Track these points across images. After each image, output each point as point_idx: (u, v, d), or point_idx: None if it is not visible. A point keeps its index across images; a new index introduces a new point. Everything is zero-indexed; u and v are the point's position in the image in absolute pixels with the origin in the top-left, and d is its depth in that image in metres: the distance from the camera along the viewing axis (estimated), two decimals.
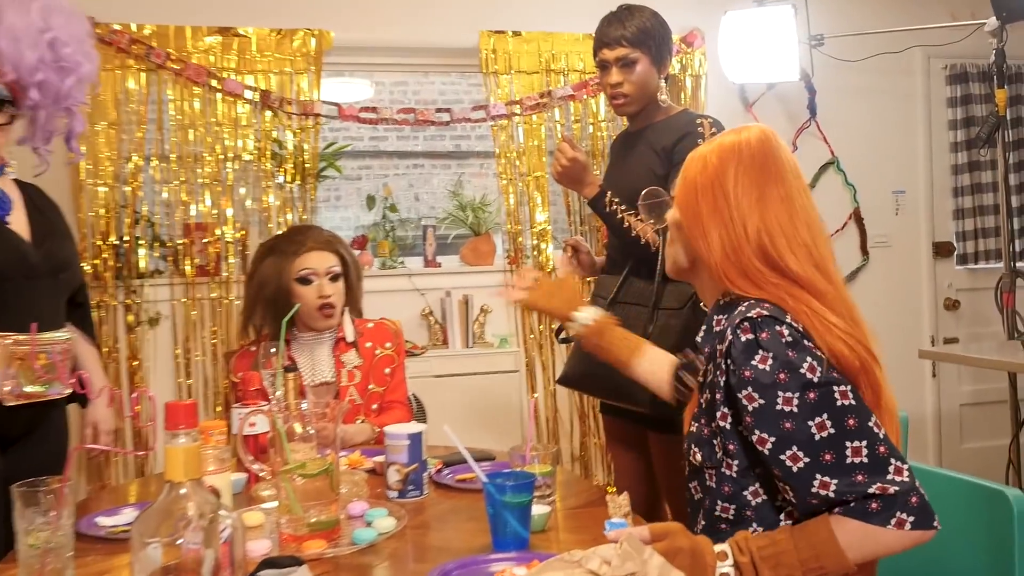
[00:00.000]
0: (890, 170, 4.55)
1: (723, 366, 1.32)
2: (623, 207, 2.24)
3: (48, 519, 1.24)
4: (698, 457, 1.38)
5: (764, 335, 1.29)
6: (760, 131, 1.43)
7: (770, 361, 1.28)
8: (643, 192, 1.95)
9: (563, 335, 2.66)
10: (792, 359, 1.27)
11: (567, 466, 4.08)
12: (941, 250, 4.60)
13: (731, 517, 1.33)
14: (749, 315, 1.32)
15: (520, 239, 4.16)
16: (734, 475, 1.33)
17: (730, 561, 1.19)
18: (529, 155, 4.12)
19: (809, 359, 1.27)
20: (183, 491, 0.92)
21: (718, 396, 1.34)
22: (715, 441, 1.35)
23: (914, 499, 1.23)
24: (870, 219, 4.49)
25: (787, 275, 1.37)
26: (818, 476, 1.24)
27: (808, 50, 4.23)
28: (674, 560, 1.16)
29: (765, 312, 1.31)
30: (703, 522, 1.38)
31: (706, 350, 1.44)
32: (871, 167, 4.49)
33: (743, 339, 1.30)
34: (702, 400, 1.41)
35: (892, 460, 1.25)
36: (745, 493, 1.33)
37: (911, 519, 1.22)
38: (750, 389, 1.28)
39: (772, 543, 1.21)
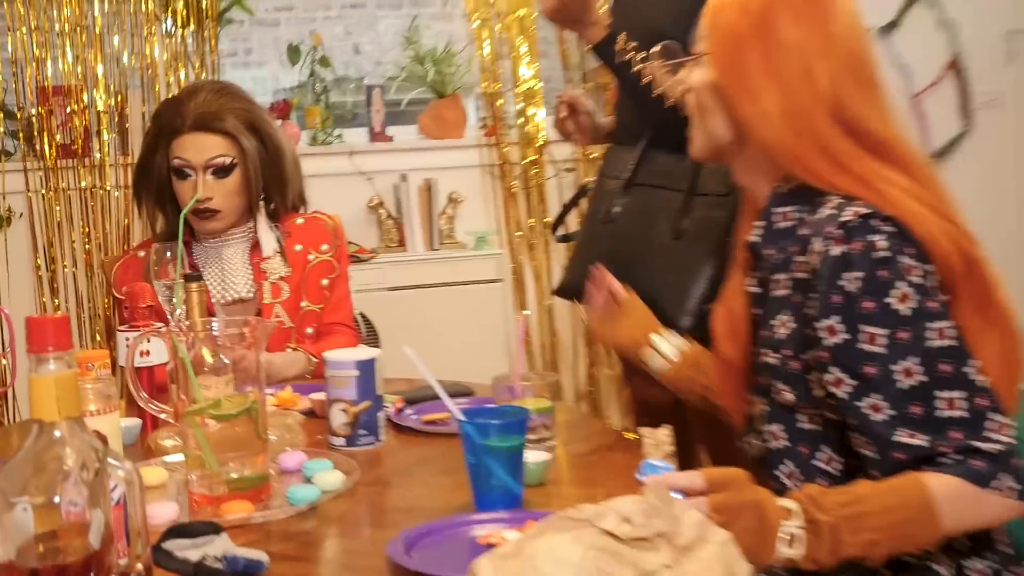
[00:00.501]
0: (1003, 4, 4.50)
1: (810, 284, 1.34)
2: (640, 54, 2.22)
3: None
4: (788, 397, 1.40)
5: (856, 246, 1.30)
6: None
7: (858, 283, 1.30)
8: (657, 48, 1.92)
9: (562, 231, 2.67)
10: (882, 282, 1.29)
11: (570, 403, 4.14)
12: None
13: (838, 472, 1.37)
14: (844, 217, 1.32)
15: (500, 103, 4.13)
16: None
17: (797, 522, 1.22)
18: None
19: (902, 284, 1.29)
20: (57, 434, 0.92)
21: (811, 318, 1.36)
22: (810, 376, 1.38)
23: (1016, 462, 1.27)
24: (975, 70, 4.46)
25: (871, 145, 1.38)
26: (902, 428, 1.28)
27: None
28: (737, 519, 1.17)
29: (862, 211, 1.32)
30: (791, 476, 1.41)
31: (768, 254, 1.44)
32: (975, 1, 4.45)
33: (835, 252, 1.31)
34: (774, 322, 1.42)
35: (993, 416, 1.28)
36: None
37: (1018, 487, 1.26)
38: (832, 319, 1.30)
39: (855, 499, 1.24)
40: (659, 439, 1.51)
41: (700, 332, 2.10)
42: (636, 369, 2.56)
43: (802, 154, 1.39)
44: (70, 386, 0.92)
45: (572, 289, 2.40)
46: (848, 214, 1.33)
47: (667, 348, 1.83)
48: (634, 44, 2.22)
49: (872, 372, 1.29)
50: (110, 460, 0.94)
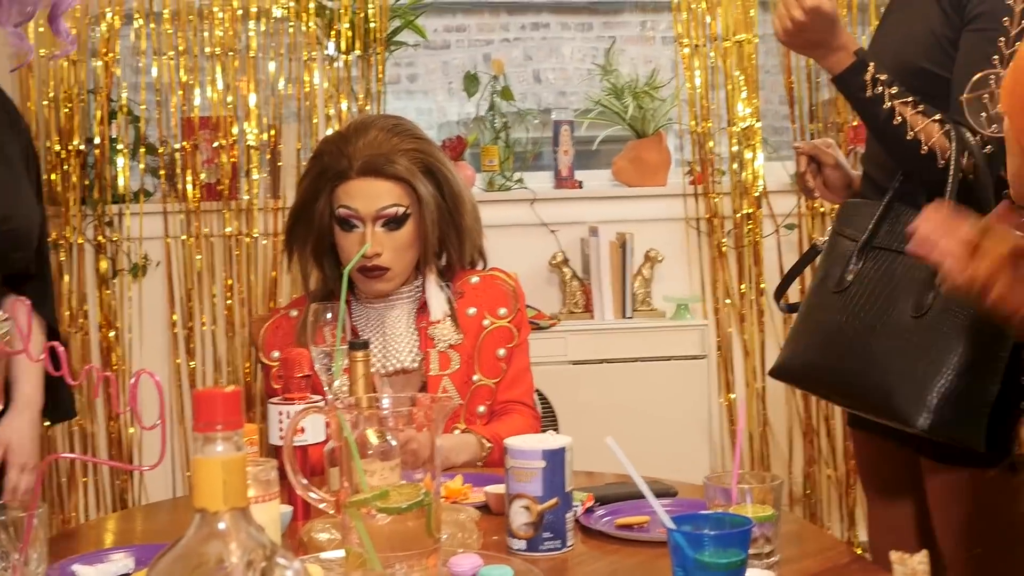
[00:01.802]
0: None
1: None
2: (893, 88, 2.20)
3: (8, 563, 1.31)
4: None
5: None
6: None
7: None
8: (972, 81, 1.92)
9: (785, 301, 2.64)
10: None
11: (783, 510, 4.07)
12: None
13: None
14: None
15: (710, 144, 4.13)
16: None
17: None
18: (728, 6, 4.06)
19: None
20: (221, 526, 0.95)
21: None
22: None
23: None
24: None
25: None
26: None
27: None
28: None
29: None
30: None
31: None
32: None
33: None
34: None
35: None
36: None
37: None
38: None
39: None
40: (911, 567, 1.47)
41: (942, 433, 2.05)
42: (867, 464, 2.51)
43: None
44: (238, 472, 0.96)
45: (792, 370, 2.37)
46: None
47: None
48: (884, 77, 2.20)
49: None
50: (278, 559, 0.97)
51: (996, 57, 2.10)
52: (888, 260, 2.24)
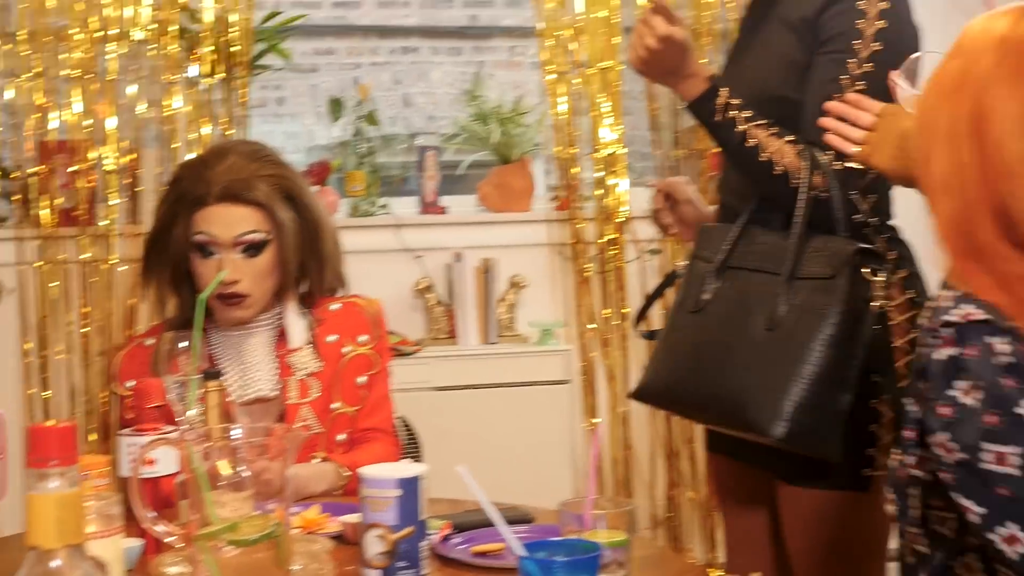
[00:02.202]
0: None
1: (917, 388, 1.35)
2: (746, 113, 2.25)
3: None
4: (890, 508, 1.42)
5: (971, 352, 1.31)
6: None
7: (978, 394, 1.30)
8: (909, 58, 1.97)
9: (645, 326, 2.69)
10: (1010, 392, 1.29)
11: (644, 533, 4.11)
12: None
13: None
14: (951, 317, 1.33)
15: (575, 170, 4.17)
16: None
17: None
18: (592, 33, 4.11)
19: None
20: (55, 563, 0.95)
21: (908, 434, 1.37)
22: (912, 489, 1.40)
23: None
24: None
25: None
26: None
27: None
28: None
29: (977, 314, 1.33)
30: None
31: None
32: None
33: (942, 355, 1.32)
34: (906, 426, 1.44)
35: None
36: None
37: None
38: (946, 435, 1.31)
39: None
40: None
41: (798, 443, 2.10)
42: (724, 485, 2.56)
43: (949, 243, 1.43)
44: (73, 508, 0.96)
45: (652, 392, 2.41)
46: (959, 314, 1.34)
47: None
48: (737, 101, 2.25)
49: (1006, 494, 1.30)
50: None
51: (846, 78, 2.17)
52: (743, 279, 2.28)
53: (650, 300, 2.66)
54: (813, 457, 2.14)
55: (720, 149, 2.36)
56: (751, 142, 2.23)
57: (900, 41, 2.17)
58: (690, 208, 2.57)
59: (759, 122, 2.23)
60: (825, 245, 2.17)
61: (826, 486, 2.23)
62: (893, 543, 1.57)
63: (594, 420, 4.13)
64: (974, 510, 1.31)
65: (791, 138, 2.20)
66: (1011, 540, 1.29)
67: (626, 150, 4.21)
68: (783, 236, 2.21)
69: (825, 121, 2.04)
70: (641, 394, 2.44)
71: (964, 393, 1.31)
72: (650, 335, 2.66)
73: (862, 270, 2.11)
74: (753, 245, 2.29)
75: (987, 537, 1.30)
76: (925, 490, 1.39)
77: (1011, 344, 1.31)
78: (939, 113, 1.44)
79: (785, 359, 2.10)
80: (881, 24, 2.18)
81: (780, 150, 2.22)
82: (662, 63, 2.29)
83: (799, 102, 2.25)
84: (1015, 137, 1.39)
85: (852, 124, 1.99)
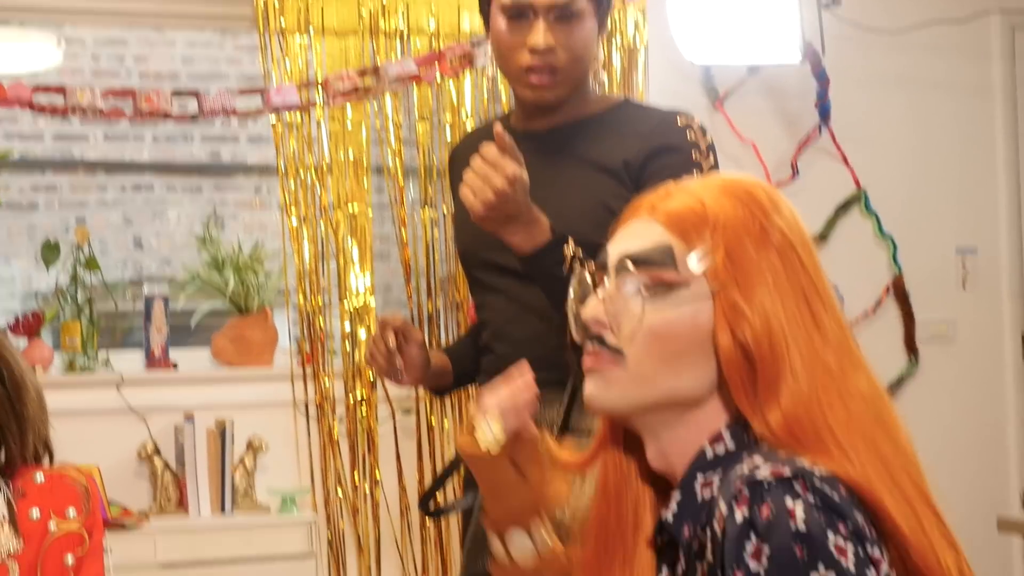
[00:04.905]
0: (952, 215, 4.76)
1: (719, 559, 1.33)
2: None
3: None
4: None
5: (765, 512, 1.31)
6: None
7: (764, 560, 1.29)
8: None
9: (433, 504, 2.62)
10: (799, 563, 1.29)
11: None
12: None
13: None
14: (757, 476, 1.33)
15: (320, 321, 4.14)
16: None
17: None
18: (340, 174, 4.13)
19: (825, 567, 1.29)
20: None
21: None
22: None
23: None
24: (921, 294, 4.68)
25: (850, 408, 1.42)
26: None
27: (817, 12, 4.41)
28: None
29: (784, 471, 1.33)
30: None
31: (687, 532, 1.44)
32: (921, 209, 4.69)
33: (737, 518, 1.32)
34: None
35: None
36: None
37: None
38: None
39: None
40: None
41: None
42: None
43: (830, 403, 1.42)
44: None
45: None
46: (767, 471, 1.33)
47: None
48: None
49: None
50: None
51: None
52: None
53: (444, 476, 2.60)
54: None
55: (554, 301, 2.30)
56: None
57: None
58: (419, 352, 2.54)
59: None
60: None
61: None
62: None
63: None
64: None
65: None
66: None
67: (377, 301, 4.21)
68: None
69: None
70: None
71: (752, 557, 1.30)
72: (438, 512, 2.61)
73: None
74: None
75: None
76: None
77: (818, 496, 1.31)
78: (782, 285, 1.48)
79: None
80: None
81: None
82: (508, 207, 2.26)
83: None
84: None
85: None
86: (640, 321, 1.45)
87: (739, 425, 1.44)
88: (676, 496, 1.47)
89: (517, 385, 1.71)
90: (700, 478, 1.45)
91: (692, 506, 1.45)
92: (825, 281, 1.48)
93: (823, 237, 4.49)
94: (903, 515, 1.36)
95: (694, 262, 1.44)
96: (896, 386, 4.59)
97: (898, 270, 4.63)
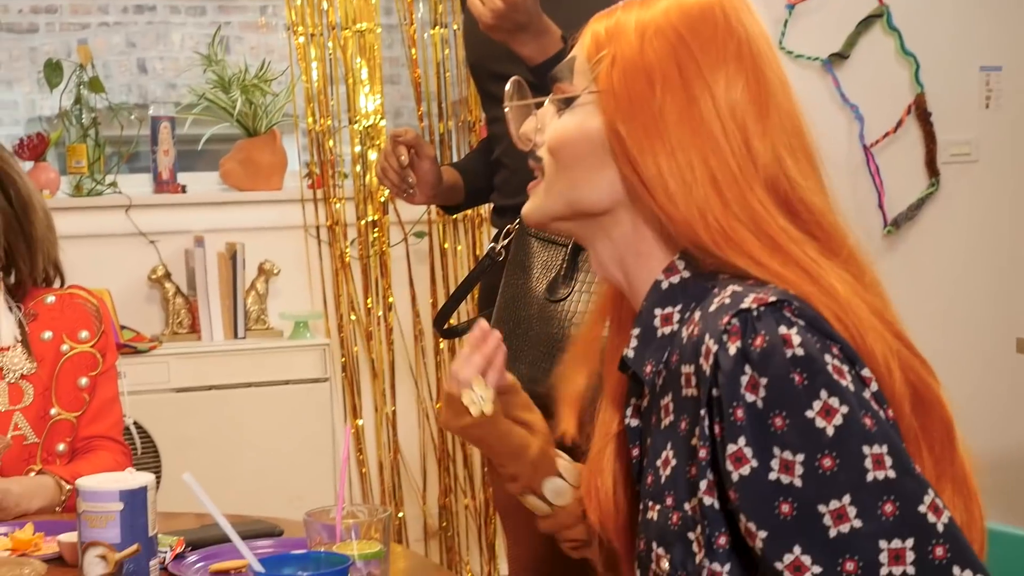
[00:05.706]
0: (976, 32, 4.72)
1: (707, 396, 1.34)
2: None
3: None
4: (664, 565, 1.40)
5: (758, 342, 1.31)
6: None
7: (762, 391, 1.30)
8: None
9: (447, 324, 2.63)
10: (799, 390, 1.29)
11: (416, 547, 4.12)
12: None
13: None
14: (743, 305, 1.33)
15: (331, 143, 4.14)
16: None
17: None
18: None
19: (827, 391, 1.29)
20: None
21: (700, 453, 1.35)
22: (693, 533, 1.37)
23: None
24: (943, 114, 4.66)
25: (812, 230, 1.41)
26: None
27: None
28: None
29: (768, 297, 1.34)
30: None
31: (648, 369, 1.45)
32: (945, 26, 4.65)
33: (732, 350, 1.32)
34: (658, 462, 1.43)
35: (961, 569, 1.29)
36: None
37: None
38: (738, 443, 1.30)
39: None
40: None
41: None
42: (503, 489, 2.57)
43: (731, 229, 1.39)
44: None
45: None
46: (750, 299, 1.33)
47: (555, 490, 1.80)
48: None
49: (788, 513, 1.29)
50: None
51: None
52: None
53: (459, 295, 2.61)
54: None
55: None
56: None
57: None
58: (431, 167, 2.53)
59: None
60: None
61: None
62: None
63: (358, 421, 4.11)
64: (758, 532, 1.29)
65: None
66: (797, 568, 1.27)
67: (387, 122, 4.20)
68: None
69: None
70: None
71: (749, 389, 1.30)
72: (451, 332, 2.63)
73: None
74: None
75: (773, 566, 1.28)
76: (709, 527, 1.36)
77: (801, 330, 1.31)
78: (664, 104, 1.45)
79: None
80: None
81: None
82: (518, 15, 2.25)
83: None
84: (759, 116, 1.44)
85: None
86: (544, 134, 1.51)
87: (692, 254, 1.43)
88: (634, 331, 1.48)
89: (488, 345, 1.72)
90: (658, 312, 1.46)
91: (652, 341, 1.46)
92: (777, 89, 1.45)
93: (844, 55, 4.44)
94: (834, 316, 1.35)
95: (581, 71, 1.49)
96: (917, 207, 4.60)
97: (920, 89, 4.60)
